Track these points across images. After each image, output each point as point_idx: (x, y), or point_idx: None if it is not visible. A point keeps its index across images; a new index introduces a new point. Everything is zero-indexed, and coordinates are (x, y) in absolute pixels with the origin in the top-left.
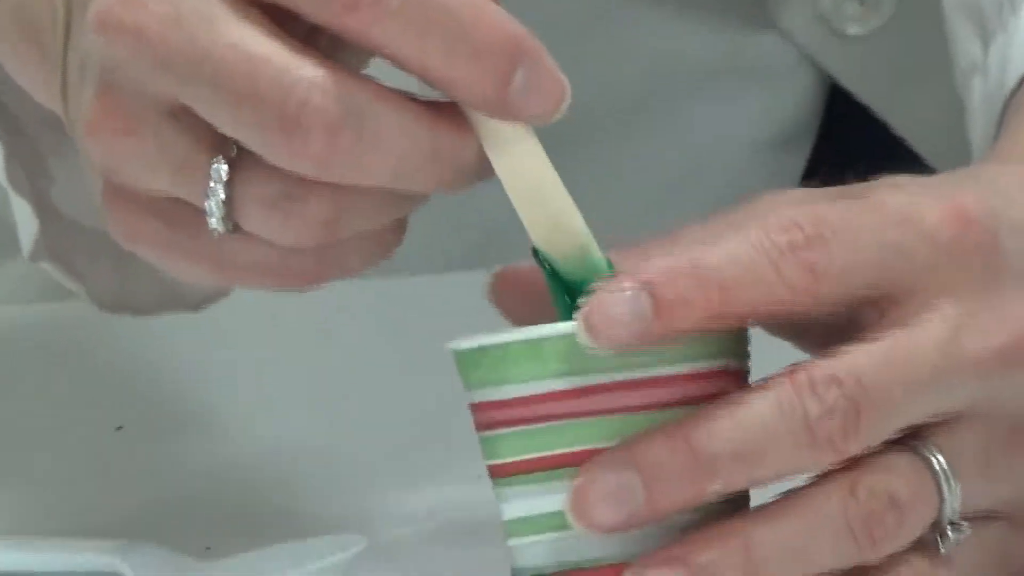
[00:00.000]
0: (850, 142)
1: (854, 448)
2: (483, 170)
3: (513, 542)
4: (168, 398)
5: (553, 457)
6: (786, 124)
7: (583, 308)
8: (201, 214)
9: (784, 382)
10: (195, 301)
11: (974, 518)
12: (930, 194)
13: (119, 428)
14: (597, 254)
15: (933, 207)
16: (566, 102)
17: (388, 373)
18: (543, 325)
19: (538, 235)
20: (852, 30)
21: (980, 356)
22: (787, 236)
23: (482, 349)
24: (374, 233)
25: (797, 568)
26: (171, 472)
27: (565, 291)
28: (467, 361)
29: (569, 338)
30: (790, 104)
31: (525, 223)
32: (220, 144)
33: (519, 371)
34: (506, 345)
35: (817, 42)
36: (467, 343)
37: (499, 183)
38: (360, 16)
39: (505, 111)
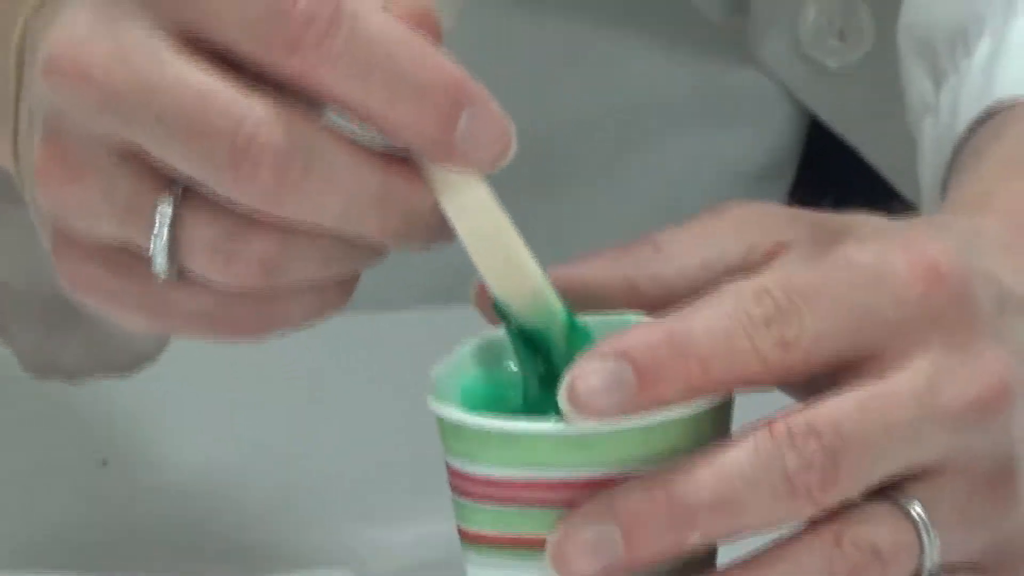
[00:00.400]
0: (830, 174)
1: (832, 499)
2: (439, 228)
3: None
4: (152, 434)
5: (522, 538)
6: (766, 156)
7: (566, 379)
8: (147, 261)
9: (763, 433)
10: (124, 365)
11: (952, 570)
12: (898, 247)
13: (104, 463)
14: (554, 300)
15: (902, 263)
16: (512, 148)
17: (371, 407)
18: (524, 421)
19: (493, 282)
20: (831, 63)
21: (954, 408)
22: (760, 308)
23: (461, 426)
24: (318, 288)
25: None
26: (154, 506)
27: (526, 343)
28: (446, 429)
29: (550, 437)
30: (770, 137)
31: (480, 271)
32: (165, 186)
33: (496, 455)
34: (486, 431)
35: (796, 76)
36: (449, 414)
37: None
38: (303, 57)
39: (450, 155)
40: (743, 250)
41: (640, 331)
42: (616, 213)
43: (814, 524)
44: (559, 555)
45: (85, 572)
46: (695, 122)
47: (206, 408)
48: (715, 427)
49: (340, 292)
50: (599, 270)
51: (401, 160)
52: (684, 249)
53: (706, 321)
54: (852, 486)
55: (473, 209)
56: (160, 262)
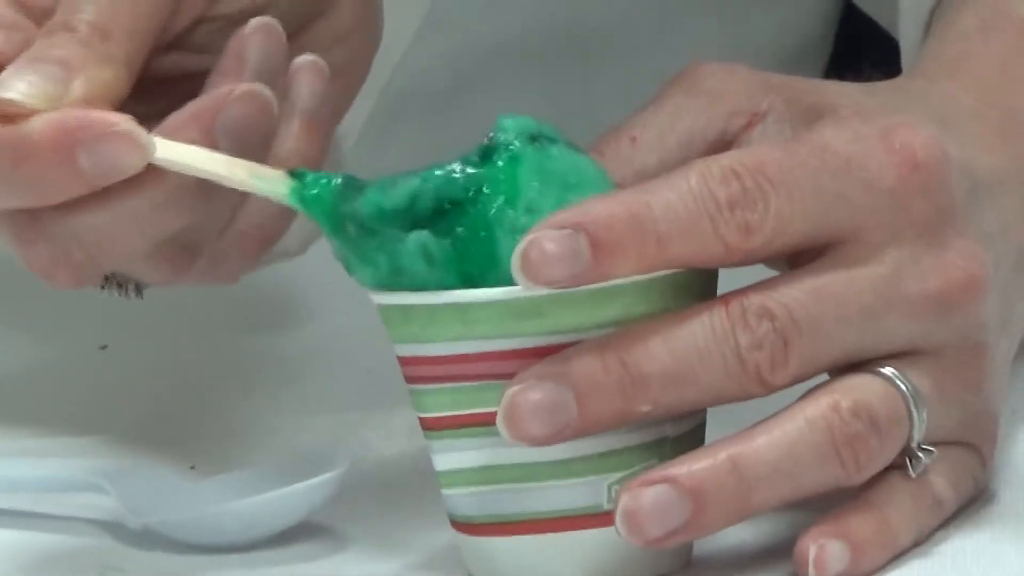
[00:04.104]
0: (864, 56)
1: (780, 381)
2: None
3: (445, 492)
4: (153, 317)
5: (480, 415)
6: (800, 38)
7: (520, 244)
8: None
9: (719, 310)
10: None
11: (939, 444)
12: (876, 134)
13: (103, 347)
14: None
15: (877, 149)
16: (144, 151)
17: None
18: (473, 291)
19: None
20: None
21: (915, 299)
22: (726, 189)
23: (410, 307)
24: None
25: (786, 489)
26: (155, 391)
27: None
28: (394, 317)
29: (498, 303)
30: (804, 18)
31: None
32: None
33: (446, 331)
34: (434, 307)
35: None
36: (396, 299)
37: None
38: None
39: (86, 184)
40: (720, 125)
41: (600, 203)
42: (648, 93)
43: (809, 394)
44: (511, 417)
45: (81, 457)
46: (730, 4)
47: (208, 292)
48: (677, 295)
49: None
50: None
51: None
52: (660, 135)
53: (668, 199)
54: (803, 369)
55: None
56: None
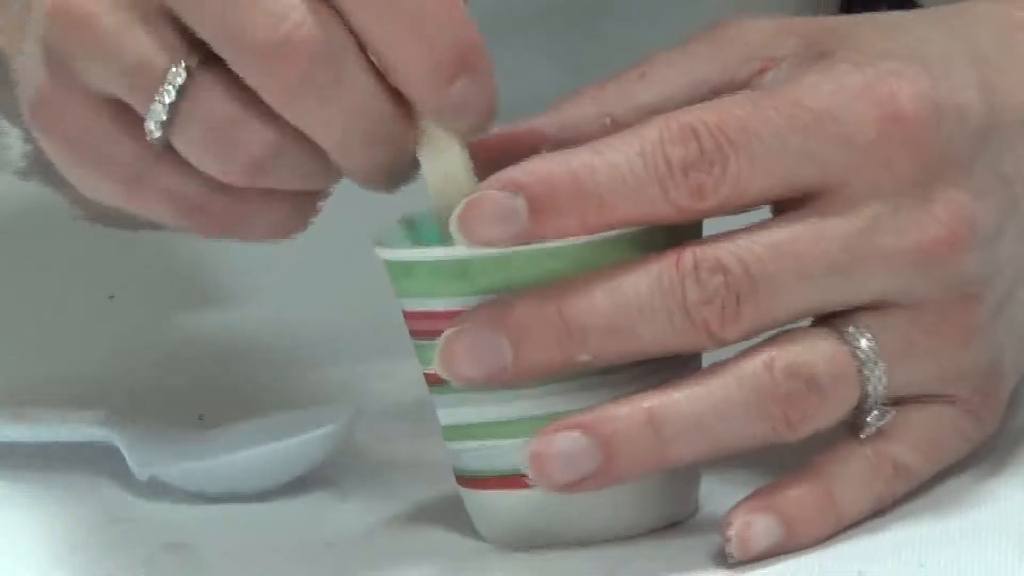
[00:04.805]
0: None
1: (731, 335)
2: (407, 173)
3: (449, 446)
4: (161, 268)
5: None
6: None
7: (461, 203)
8: (137, 126)
9: (669, 262)
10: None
11: (909, 400)
12: (862, 82)
13: (111, 297)
14: None
15: (858, 102)
16: (490, 123)
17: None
18: (476, 248)
19: (446, 232)
20: None
21: (890, 253)
22: (683, 151)
23: (413, 263)
24: (283, 208)
25: (707, 444)
26: (163, 342)
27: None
28: (398, 272)
29: (499, 258)
30: None
31: (437, 218)
32: (184, 51)
33: (449, 286)
34: (437, 262)
35: None
36: (400, 254)
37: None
38: None
39: (435, 114)
40: (731, 71)
41: (543, 163)
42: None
43: (751, 349)
44: (446, 358)
45: (88, 408)
46: None
47: (216, 244)
48: (668, 244)
49: (298, 219)
50: (576, 110)
51: (405, 102)
52: (671, 73)
53: (616, 159)
54: (756, 325)
55: (443, 171)
56: (155, 124)
